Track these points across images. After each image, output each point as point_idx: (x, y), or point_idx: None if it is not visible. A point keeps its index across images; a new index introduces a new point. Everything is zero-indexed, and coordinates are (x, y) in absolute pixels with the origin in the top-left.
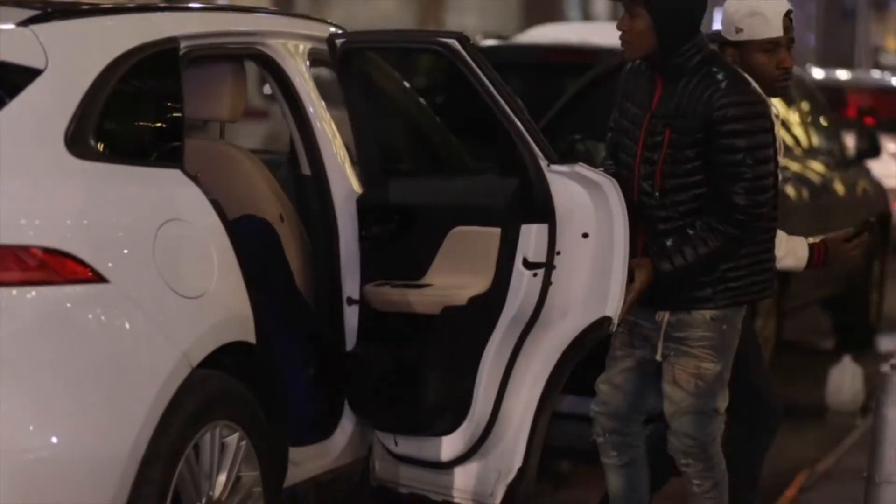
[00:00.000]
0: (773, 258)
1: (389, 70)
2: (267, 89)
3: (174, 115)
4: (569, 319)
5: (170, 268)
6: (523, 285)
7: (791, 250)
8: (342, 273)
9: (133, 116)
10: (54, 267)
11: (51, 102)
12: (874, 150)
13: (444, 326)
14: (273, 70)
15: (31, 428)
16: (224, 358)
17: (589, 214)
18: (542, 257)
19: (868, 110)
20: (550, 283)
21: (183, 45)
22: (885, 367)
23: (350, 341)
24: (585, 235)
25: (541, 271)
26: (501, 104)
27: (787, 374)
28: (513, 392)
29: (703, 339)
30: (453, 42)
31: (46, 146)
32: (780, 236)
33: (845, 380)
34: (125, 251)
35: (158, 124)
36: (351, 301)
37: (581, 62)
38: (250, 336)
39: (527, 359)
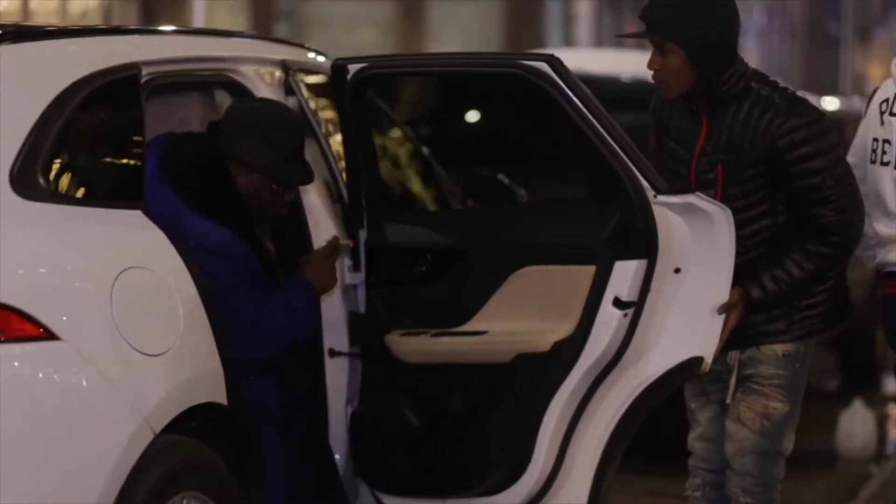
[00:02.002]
0: (846, 277)
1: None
2: None
3: (135, 150)
4: (648, 360)
5: (130, 322)
6: (612, 327)
7: None
8: (322, 323)
9: (88, 151)
10: None
11: None
12: None
13: (516, 374)
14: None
15: None
16: (192, 421)
17: (685, 248)
18: (635, 296)
19: None
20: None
21: (144, 71)
22: None
23: (338, 397)
24: (677, 271)
25: (631, 311)
26: (600, 131)
27: None
28: (579, 440)
29: (774, 378)
30: (542, 66)
31: None
32: None
33: (856, 425)
34: (79, 304)
35: (117, 160)
36: (334, 353)
37: None
38: (221, 396)
39: (599, 404)
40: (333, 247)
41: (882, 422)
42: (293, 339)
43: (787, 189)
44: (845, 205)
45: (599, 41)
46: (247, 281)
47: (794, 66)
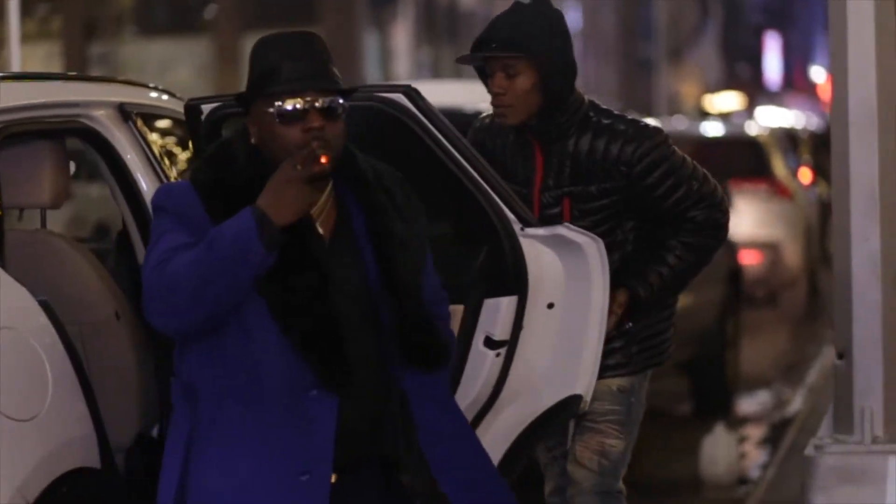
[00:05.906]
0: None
1: None
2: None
3: None
4: (524, 401)
5: None
6: (485, 368)
7: None
8: None
9: None
10: None
11: None
12: None
13: None
14: (100, 145)
15: None
16: (63, 487)
17: (557, 282)
18: (507, 334)
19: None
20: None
21: None
22: (810, 450)
23: None
24: (550, 306)
25: (504, 350)
26: (463, 164)
27: (646, 443)
28: None
29: (609, 414)
30: (398, 97)
31: None
32: None
33: (719, 451)
34: None
35: None
36: None
37: None
38: (94, 460)
39: None
40: (310, 155)
41: (741, 444)
42: (190, 284)
43: (655, 211)
44: (712, 202)
45: (418, 75)
46: (173, 230)
47: (609, 89)
